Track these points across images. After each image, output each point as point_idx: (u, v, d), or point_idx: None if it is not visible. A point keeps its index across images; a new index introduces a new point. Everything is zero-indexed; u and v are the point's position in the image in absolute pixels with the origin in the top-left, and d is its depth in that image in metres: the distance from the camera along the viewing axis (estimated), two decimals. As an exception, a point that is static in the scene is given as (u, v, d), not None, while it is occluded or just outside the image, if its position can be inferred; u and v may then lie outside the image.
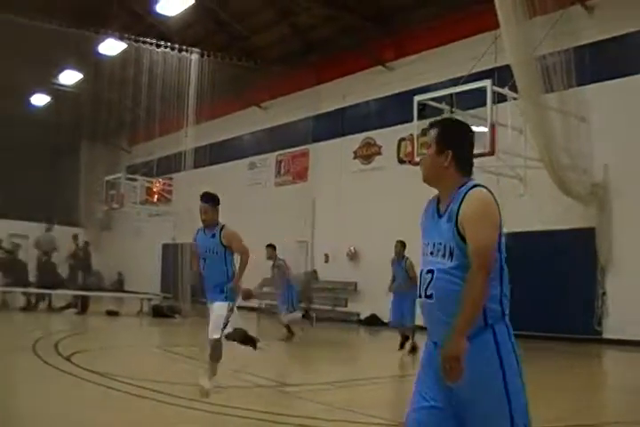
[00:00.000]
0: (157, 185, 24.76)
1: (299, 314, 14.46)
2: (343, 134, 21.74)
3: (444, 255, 3.15)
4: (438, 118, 3.57)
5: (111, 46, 22.78)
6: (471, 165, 3.38)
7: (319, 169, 22.48)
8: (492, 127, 12.62)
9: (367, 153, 21.05)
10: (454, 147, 3.31)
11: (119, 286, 32.28)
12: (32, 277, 19.99)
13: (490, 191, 3.24)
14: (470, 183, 3.24)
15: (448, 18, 17.79)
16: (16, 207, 27.73)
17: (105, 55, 23.79)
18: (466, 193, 3.17)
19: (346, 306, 20.54)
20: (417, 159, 13.28)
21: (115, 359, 7.27)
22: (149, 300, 20.61)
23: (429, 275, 3.19)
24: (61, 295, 19.41)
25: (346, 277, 20.44)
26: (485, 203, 3.16)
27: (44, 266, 19.86)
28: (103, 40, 22.33)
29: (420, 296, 3.23)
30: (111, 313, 19.22)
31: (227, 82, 22.03)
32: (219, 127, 25.83)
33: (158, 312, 19.36)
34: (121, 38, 21.82)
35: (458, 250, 3.11)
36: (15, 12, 19.02)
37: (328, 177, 21.83)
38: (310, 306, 18.34)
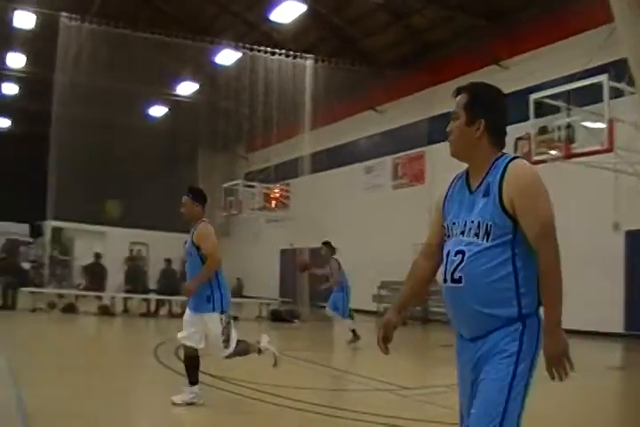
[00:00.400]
0: (275, 191, 25.03)
1: (351, 324, 13.85)
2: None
3: (477, 235, 2.83)
4: (467, 85, 3.11)
5: (227, 56, 23.20)
6: (505, 134, 3.05)
7: (436, 171, 22.14)
8: (610, 123, 12.23)
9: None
10: (487, 115, 2.96)
11: (238, 291, 32.77)
12: (152, 284, 20.48)
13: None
14: (508, 155, 2.94)
15: (560, 14, 17.23)
16: (135, 216, 28.53)
17: (221, 65, 24.25)
18: (506, 165, 2.85)
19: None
20: (535, 158, 12.92)
21: (234, 364, 7.30)
22: (268, 304, 20.77)
23: (459, 256, 2.87)
24: (181, 301, 19.86)
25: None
26: (537, 175, 2.85)
27: (164, 273, 20.32)
28: (219, 50, 22.77)
29: (446, 281, 2.92)
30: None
31: (342, 86, 21.99)
32: (335, 132, 25.85)
33: (277, 317, 19.46)
34: (236, 48, 22.17)
35: (496, 228, 2.79)
36: (133, 27, 19.65)
37: (445, 179, 21.46)
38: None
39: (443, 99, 21.81)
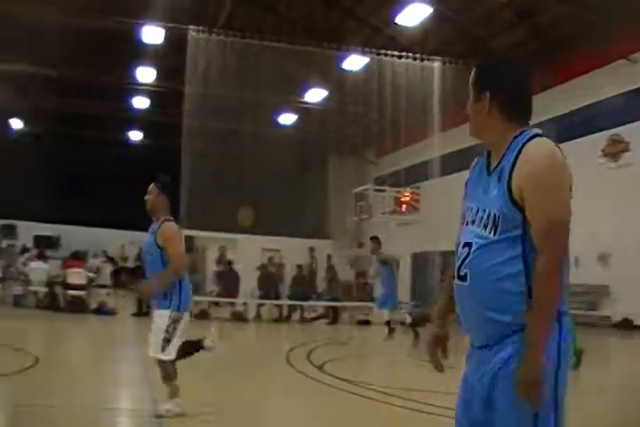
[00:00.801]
0: (405, 195, 24.79)
1: (408, 318, 13.75)
2: (591, 132, 20.45)
3: (485, 226, 2.46)
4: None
5: (354, 61, 23.19)
6: (527, 110, 2.66)
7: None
8: None
9: (614, 150, 19.65)
10: (493, 88, 2.62)
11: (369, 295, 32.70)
12: (284, 290, 20.72)
13: (556, 145, 2.47)
14: (528, 133, 2.52)
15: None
16: (267, 223, 28.96)
17: (348, 71, 24.28)
18: (523, 145, 2.45)
19: (595, 310, 19.30)
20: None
21: (367, 368, 7.20)
22: (400, 309, 20.55)
23: (466, 249, 2.50)
24: (313, 306, 20.09)
25: (596, 280, 19.16)
26: (554, 160, 2.41)
27: (296, 279, 20.51)
28: (346, 56, 22.79)
29: (454, 278, 2.56)
30: (362, 322, 19.41)
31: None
32: (464, 134, 25.25)
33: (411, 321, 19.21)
34: (363, 53, 22.15)
35: (505, 221, 2.39)
36: (259, 37, 20.00)
37: (576, 177, 20.63)
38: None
39: (570, 97, 21.04)
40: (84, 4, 19.54)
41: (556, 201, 2.35)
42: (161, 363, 5.89)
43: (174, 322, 5.82)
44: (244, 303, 19.78)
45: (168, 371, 5.89)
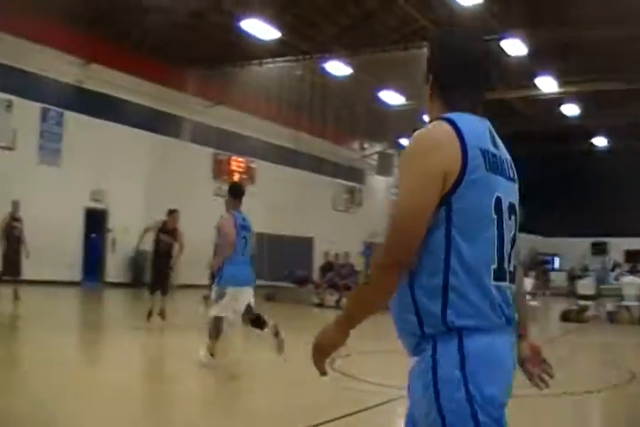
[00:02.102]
0: None
1: None
2: None
3: None
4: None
5: None
6: (471, 95, 2.19)
7: None
8: None
9: None
10: (433, 67, 2.24)
11: None
12: None
13: (453, 125, 2.04)
14: (446, 116, 2.10)
15: None
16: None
17: None
18: None
19: None
20: None
21: None
22: None
23: None
24: None
25: None
26: (418, 144, 2.07)
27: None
28: None
29: None
30: None
31: None
32: None
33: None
34: None
35: None
36: None
37: None
38: None
39: None
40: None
41: (403, 187, 2.04)
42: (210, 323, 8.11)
43: (220, 295, 7.86)
44: None
45: (213, 328, 7.96)
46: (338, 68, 23.47)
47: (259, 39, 21.43)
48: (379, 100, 26.94)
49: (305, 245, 28.22)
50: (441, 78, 2.22)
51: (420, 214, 1.98)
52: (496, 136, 2.20)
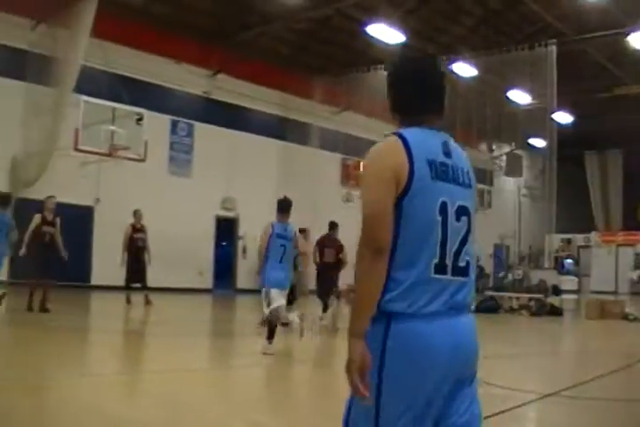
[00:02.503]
0: None
1: None
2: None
3: None
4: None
5: None
6: (419, 110, 2.57)
7: None
8: None
9: None
10: (392, 95, 2.64)
11: None
12: None
13: (402, 139, 2.42)
14: (394, 133, 2.49)
15: None
16: None
17: None
18: None
19: None
20: None
21: None
22: None
23: None
24: None
25: None
26: (370, 158, 2.46)
27: None
28: None
29: None
30: None
31: None
32: None
33: None
34: None
35: None
36: None
37: None
38: None
39: None
40: None
41: (363, 193, 2.43)
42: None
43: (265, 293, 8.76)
44: None
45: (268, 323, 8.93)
46: (464, 69, 22.95)
47: (384, 43, 21.24)
48: (506, 100, 26.08)
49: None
50: (397, 103, 2.63)
51: (380, 206, 2.35)
52: (452, 147, 2.56)
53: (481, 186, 32.71)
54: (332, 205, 22.91)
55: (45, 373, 7.13)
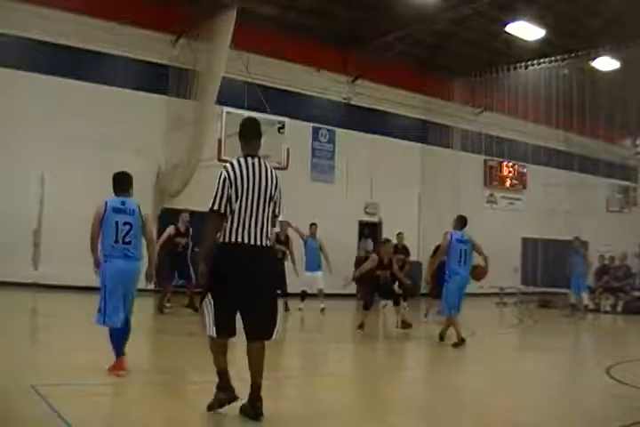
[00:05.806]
0: None
1: None
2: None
3: None
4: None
5: None
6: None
7: None
8: None
9: None
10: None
11: None
12: None
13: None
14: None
15: None
16: None
17: None
18: None
19: None
20: None
21: None
22: None
23: None
24: None
25: None
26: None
27: None
28: None
29: None
30: None
31: None
32: None
33: None
34: None
35: None
36: None
37: None
38: None
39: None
40: None
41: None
42: None
43: None
44: None
45: None
46: (606, 62, 21.87)
47: (524, 41, 20.61)
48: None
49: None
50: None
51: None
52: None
53: (625, 183, 31.04)
54: (476, 207, 22.37)
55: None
